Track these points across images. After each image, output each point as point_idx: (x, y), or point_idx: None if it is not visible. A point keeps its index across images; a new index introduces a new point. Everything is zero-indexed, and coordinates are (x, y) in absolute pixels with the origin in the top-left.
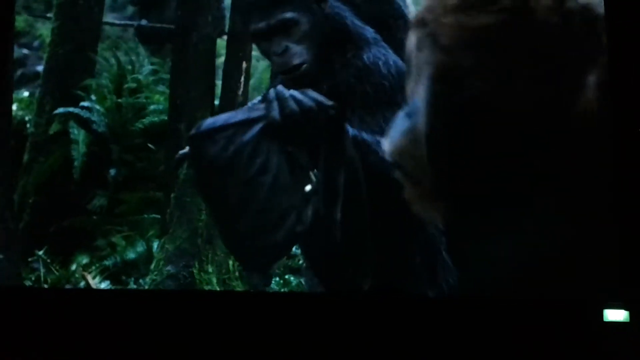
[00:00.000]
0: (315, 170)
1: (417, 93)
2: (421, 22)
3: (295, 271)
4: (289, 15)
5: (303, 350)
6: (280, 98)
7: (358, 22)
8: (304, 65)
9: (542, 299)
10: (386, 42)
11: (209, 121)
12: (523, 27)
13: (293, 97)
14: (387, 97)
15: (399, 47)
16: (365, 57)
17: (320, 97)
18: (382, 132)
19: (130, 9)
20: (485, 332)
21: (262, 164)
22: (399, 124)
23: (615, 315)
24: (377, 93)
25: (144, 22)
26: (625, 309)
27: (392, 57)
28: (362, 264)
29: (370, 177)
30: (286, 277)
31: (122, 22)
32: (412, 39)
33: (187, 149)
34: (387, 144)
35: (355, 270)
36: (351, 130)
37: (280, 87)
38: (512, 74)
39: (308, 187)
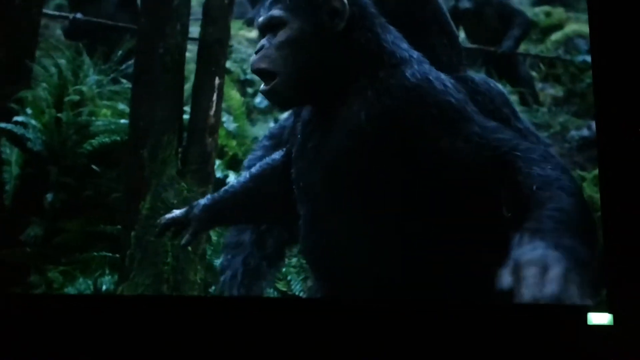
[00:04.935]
0: None
1: None
2: None
3: None
4: (276, 13)
5: None
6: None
7: (390, 38)
8: (276, 79)
9: (526, 303)
10: (417, 47)
11: None
12: None
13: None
14: (457, 114)
15: (429, 52)
16: (408, 74)
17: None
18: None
19: (56, 1)
20: (473, 336)
21: None
22: None
23: (599, 318)
24: (445, 112)
25: (79, 15)
26: (609, 312)
27: (442, 74)
28: None
29: None
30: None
31: (53, 12)
32: None
33: (174, 212)
34: None
35: None
36: None
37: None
38: None
39: None
